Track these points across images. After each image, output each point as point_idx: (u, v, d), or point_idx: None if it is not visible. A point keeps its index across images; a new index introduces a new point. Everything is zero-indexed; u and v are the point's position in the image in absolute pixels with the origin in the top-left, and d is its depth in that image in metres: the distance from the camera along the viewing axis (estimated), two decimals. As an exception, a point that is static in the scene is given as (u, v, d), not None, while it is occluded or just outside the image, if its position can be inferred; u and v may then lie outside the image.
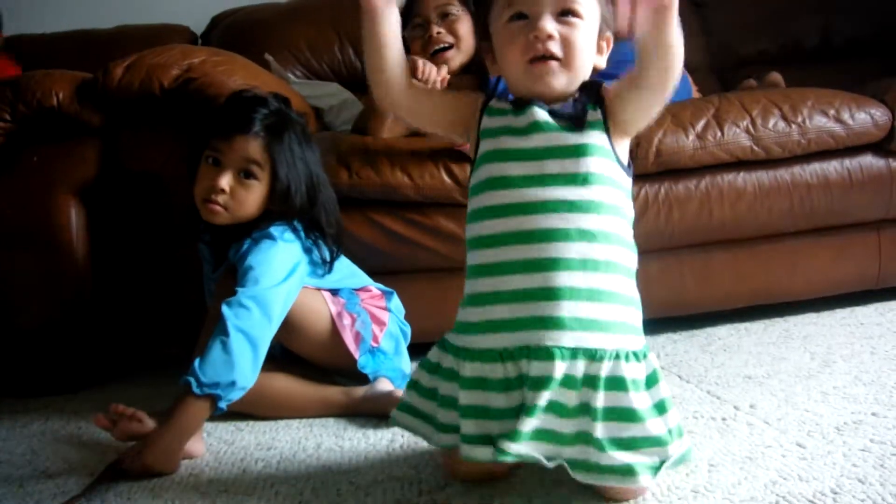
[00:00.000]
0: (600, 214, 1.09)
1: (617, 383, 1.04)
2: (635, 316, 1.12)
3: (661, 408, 1.07)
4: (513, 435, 1.03)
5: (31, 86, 1.80)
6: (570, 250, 1.08)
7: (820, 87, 2.15)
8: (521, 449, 1.03)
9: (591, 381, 1.04)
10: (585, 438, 1.03)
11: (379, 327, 1.66)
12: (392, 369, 1.64)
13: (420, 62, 1.85)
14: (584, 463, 1.03)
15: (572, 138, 1.11)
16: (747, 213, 2.01)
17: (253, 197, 1.53)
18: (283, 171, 1.53)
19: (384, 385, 1.59)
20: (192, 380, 1.30)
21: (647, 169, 1.95)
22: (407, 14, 2.06)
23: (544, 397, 1.04)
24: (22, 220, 1.82)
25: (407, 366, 1.70)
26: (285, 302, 1.46)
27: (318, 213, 1.59)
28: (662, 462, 1.04)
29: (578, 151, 1.10)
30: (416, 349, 1.76)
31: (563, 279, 1.07)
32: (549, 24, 1.11)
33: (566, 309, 1.06)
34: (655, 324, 2.04)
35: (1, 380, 1.87)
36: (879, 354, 1.68)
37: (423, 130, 1.28)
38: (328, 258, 1.59)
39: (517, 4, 1.13)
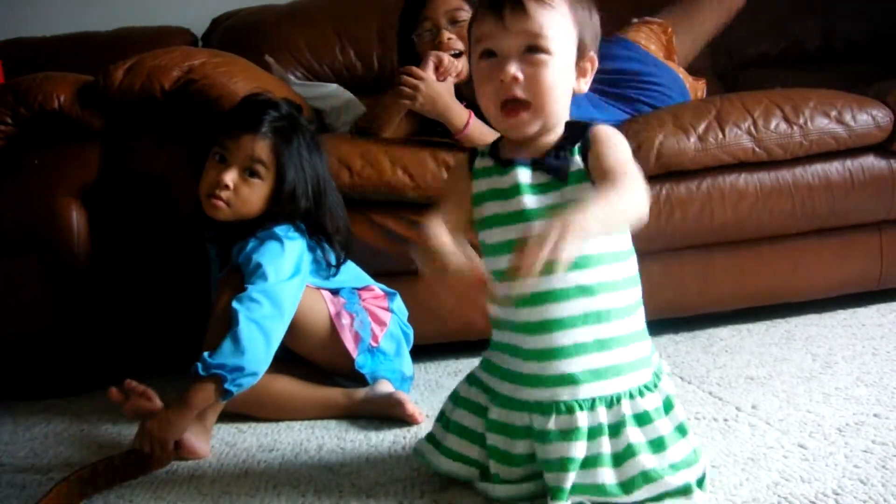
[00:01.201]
0: (595, 267, 1.09)
1: (642, 418, 1.08)
2: (642, 349, 1.13)
3: (682, 430, 1.10)
4: (556, 492, 1.05)
5: (32, 89, 1.80)
6: (571, 308, 1.09)
7: (822, 89, 2.15)
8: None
9: (619, 425, 1.07)
10: (641, 477, 1.05)
11: (379, 327, 1.66)
12: (391, 370, 1.64)
13: (435, 58, 1.86)
14: (632, 496, 1.06)
15: (555, 197, 1.10)
16: (749, 214, 2.01)
17: (256, 196, 1.54)
18: (289, 173, 1.55)
19: (385, 387, 1.59)
20: (198, 364, 1.35)
21: (649, 171, 1.95)
22: (415, 17, 2.06)
23: (576, 449, 1.06)
24: (23, 224, 1.82)
25: (408, 368, 1.70)
26: (295, 297, 1.48)
27: (324, 218, 1.60)
28: (703, 476, 1.09)
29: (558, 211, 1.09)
30: (417, 352, 1.76)
31: (569, 337, 1.09)
32: (513, 67, 1.08)
33: (576, 365, 1.08)
34: (657, 325, 2.03)
35: (3, 382, 1.87)
36: (881, 356, 1.68)
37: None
38: (334, 262, 1.60)
39: (485, 41, 1.11)
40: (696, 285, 2.05)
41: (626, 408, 1.07)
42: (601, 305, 1.09)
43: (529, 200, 1.11)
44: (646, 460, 1.05)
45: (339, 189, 1.71)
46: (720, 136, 1.97)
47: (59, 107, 1.79)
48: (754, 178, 2.02)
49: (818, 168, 2.04)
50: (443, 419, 1.22)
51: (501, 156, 1.16)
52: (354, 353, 1.60)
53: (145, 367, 1.99)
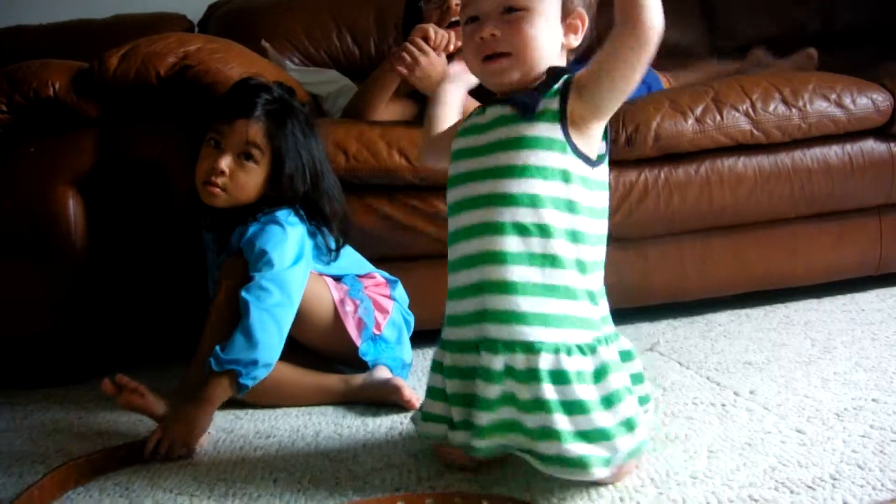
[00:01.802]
0: (538, 208, 1.07)
1: (561, 376, 1.03)
2: (584, 309, 1.09)
3: (608, 401, 1.03)
4: (476, 430, 1.06)
5: (27, 76, 1.79)
6: (505, 244, 1.07)
7: (822, 72, 2.14)
8: (484, 444, 1.05)
9: (533, 374, 1.03)
10: (547, 431, 1.02)
11: (382, 315, 1.65)
12: (393, 358, 1.64)
13: (431, 29, 1.85)
14: (546, 455, 1.02)
15: (516, 130, 1.10)
16: (748, 198, 2.01)
17: (252, 180, 1.54)
18: (285, 156, 1.55)
19: (383, 373, 1.59)
20: (211, 360, 1.36)
21: (647, 153, 1.95)
22: None
23: (492, 390, 1.05)
24: (19, 213, 1.81)
25: (408, 355, 1.70)
26: (301, 283, 1.49)
27: (321, 201, 1.59)
28: (610, 457, 1.02)
29: (518, 144, 1.10)
30: (416, 337, 1.76)
31: (498, 273, 1.07)
32: (489, 26, 1.12)
33: (504, 303, 1.06)
34: (655, 310, 2.04)
35: (1, 372, 1.86)
36: (880, 340, 1.68)
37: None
38: (333, 246, 1.60)
39: (468, 8, 1.16)
40: (695, 270, 2.05)
41: (545, 361, 1.03)
42: (538, 248, 1.07)
43: (494, 134, 1.12)
44: (555, 420, 1.01)
45: (336, 173, 1.71)
46: (718, 117, 1.96)
47: (55, 94, 1.78)
48: (753, 161, 2.01)
49: (817, 152, 2.04)
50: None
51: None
52: (358, 341, 1.59)
53: (143, 355, 2.00)
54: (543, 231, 1.07)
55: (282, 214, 1.53)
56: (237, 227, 1.55)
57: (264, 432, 1.43)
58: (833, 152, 2.05)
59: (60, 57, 1.92)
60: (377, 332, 1.64)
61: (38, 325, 1.84)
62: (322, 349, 1.63)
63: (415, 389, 1.52)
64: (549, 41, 1.13)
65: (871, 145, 2.07)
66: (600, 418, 1.02)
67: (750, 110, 1.98)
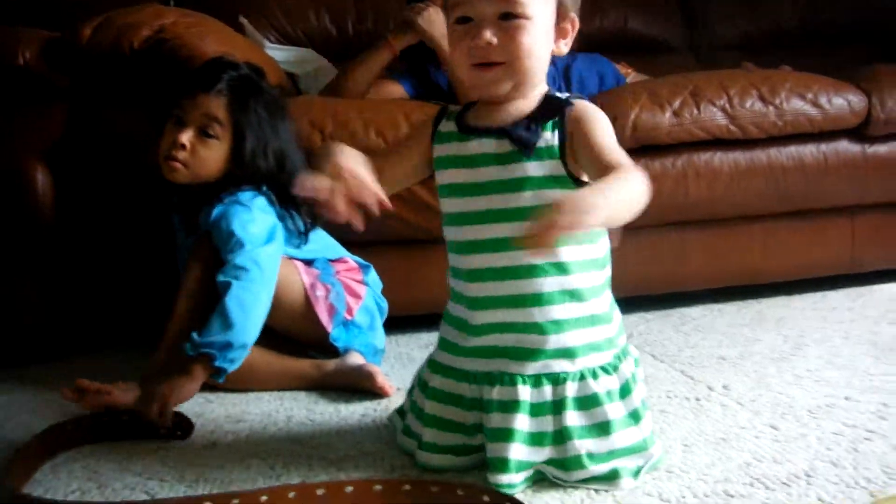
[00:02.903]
0: (567, 245, 1.07)
1: (589, 401, 1.06)
2: (603, 332, 1.11)
3: (636, 416, 1.09)
4: (497, 463, 1.04)
5: (-5, 44, 1.74)
6: (526, 286, 1.08)
7: (800, 72, 2.15)
8: (513, 479, 1.03)
9: (560, 404, 1.06)
10: (570, 461, 1.05)
11: (354, 300, 1.63)
12: (365, 344, 1.62)
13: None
14: (570, 475, 1.05)
15: (516, 170, 1.08)
16: (723, 192, 2.01)
17: (213, 156, 1.52)
18: (246, 132, 1.52)
19: (355, 359, 1.57)
20: (187, 345, 1.33)
21: (624, 144, 1.89)
22: None
23: (519, 421, 1.05)
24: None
25: (381, 341, 1.68)
26: (275, 263, 1.46)
27: (289, 182, 1.56)
28: (642, 466, 1.07)
29: (526, 185, 1.08)
30: (388, 324, 1.74)
31: (521, 315, 1.09)
32: (488, 33, 1.04)
33: (531, 341, 1.08)
34: (629, 302, 2.02)
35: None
36: (851, 339, 1.69)
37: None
38: (303, 229, 1.57)
39: (461, 7, 1.07)
40: (670, 263, 2.05)
41: (571, 389, 1.06)
42: (555, 287, 1.08)
43: (491, 171, 1.09)
44: (584, 444, 1.04)
45: (311, 153, 1.67)
46: (695, 111, 1.96)
47: (25, 63, 1.72)
48: (729, 156, 2.02)
49: (793, 150, 2.05)
50: (409, 401, 1.23)
51: (467, 122, 1.14)
52: (329, 327, 1.57)
53: (111, 336, 1.96)
54: (561, 268, 1.08)
55: (245, 195, 1.50)
56: (203, 207, 1.51)
57: (235, 416, 1.40)
58: (808, 151, 2.06)
59: (30, 26, 1.87)
60: (349, 318, 1.62)
61: (4, 298, 1.79)
62: (293, 334, 1.61)
63: (387, 376, 1.50)
64: (544, 51, 1.09)
65: (845, 145, 2.08)
66: (631, 435, 1.07)
67: (727, 105, 1.98)
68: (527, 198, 1.07)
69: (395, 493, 0.98)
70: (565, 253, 1.07)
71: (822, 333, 1.75)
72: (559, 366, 1.07)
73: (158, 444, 1.29)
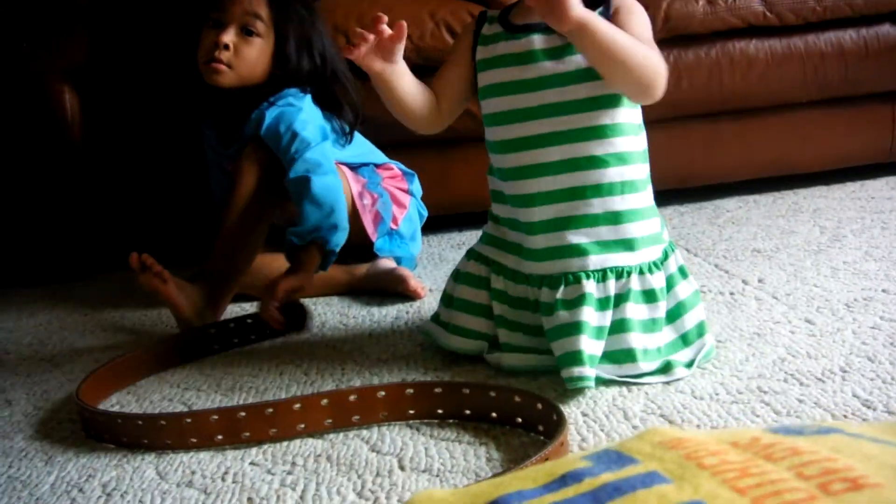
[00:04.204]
0: (610, 138, 1.07)
1: (649, 295, 1.07)
2: (655, 224, 1.12)
3: (682, 308, 1.10)
4: (568, 358, 1.03)
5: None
6: (585, 178, 1.08)
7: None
8: (585, 371, 1.02)
9: (622, 297, 1.06)
10: (622, 354, 1.05)
11: (399, 210, 1.62)
12: (407, 254, 1.62)
13: None
14: (622, 370, 1.05)
15: (569, 63, 1.06)
16: (758, 82, 1.96)
17: (258, 55, 1.48)
18: (289, 29, 1.48)
19: (387, 262, 1.57)
20: (292, 237, 1.34)
21: (656, 35, 1.87)
22: None
23: (584, 314, 1.04)
24: (15, 110, 1.76)
25: (418, 249, 1.68)
26: (332, 159, 1.44)
27: (332, 82, 1.53)
28: (693, 358, 1.08)
29: (572, 79, 1.06)
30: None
31: (580, 207, 1.08)
32: None
33: (585, 236, 1.08)
34: (662, 196, 1.99)
35: (5, 269, 1.85)
36: (891, 229, 1.65)
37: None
38: (347, 129, 1.55)
39: None
40: (703, 155, 2.02)
41: (635, 282, 1.06)
42: (616, 177, 1.08)
43: (545, 66, 1.07)
44: (639, 339, 1.05)
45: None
46: (730, -1, 1.90)
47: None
48: (765, 44, 1.96)
49: (831, 36, 1.99)
50: (446, 299, 1.21)
51: (513, 21, 1.12)
52: (374, 236, 1.56)
53: (145, 252, 1.97)
54: (619, 159, 1.08)
55: (293, 97, 1.47)
56: (247, 115, 1.48)
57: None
58: (847, 36, 1.99)
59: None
60: (394, 227, 1.60)
61: (40, 217, 1.81)
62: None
63: (419, 278, 1.50)
64: None
65: (886, 30, 2.01)
66: (679, 326, 1.09)
67: (763, -8, 1.91)
68: (579, 90, 1.06)
69: (427, 396, 0.99)
70: (622, 143, 1.07)
71: (861, 224, 1.71)
72: (622, 259, 1.07)
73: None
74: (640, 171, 1.11)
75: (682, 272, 1.12)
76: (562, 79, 1.07)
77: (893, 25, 2.01)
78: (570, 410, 0.97)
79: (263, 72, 1.49)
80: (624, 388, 1.03)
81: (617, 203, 1.08)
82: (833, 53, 1.98)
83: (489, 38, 1.13)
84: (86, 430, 1.03)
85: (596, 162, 1.07)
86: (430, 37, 1.79)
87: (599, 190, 1.07)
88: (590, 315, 1.04)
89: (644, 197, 1.11)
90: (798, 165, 2.10)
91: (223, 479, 0.89)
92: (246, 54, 1.47)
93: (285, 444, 0.96)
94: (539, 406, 0.93)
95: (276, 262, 1.50)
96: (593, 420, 0.95)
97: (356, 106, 1.55)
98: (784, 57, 1.97)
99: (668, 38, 1.90)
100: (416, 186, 1.70)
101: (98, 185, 1.84)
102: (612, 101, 1.07)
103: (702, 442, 0.38)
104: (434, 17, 1.79)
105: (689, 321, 1.10)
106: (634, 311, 1.06)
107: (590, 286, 1.06)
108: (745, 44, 1.95)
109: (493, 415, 0.96)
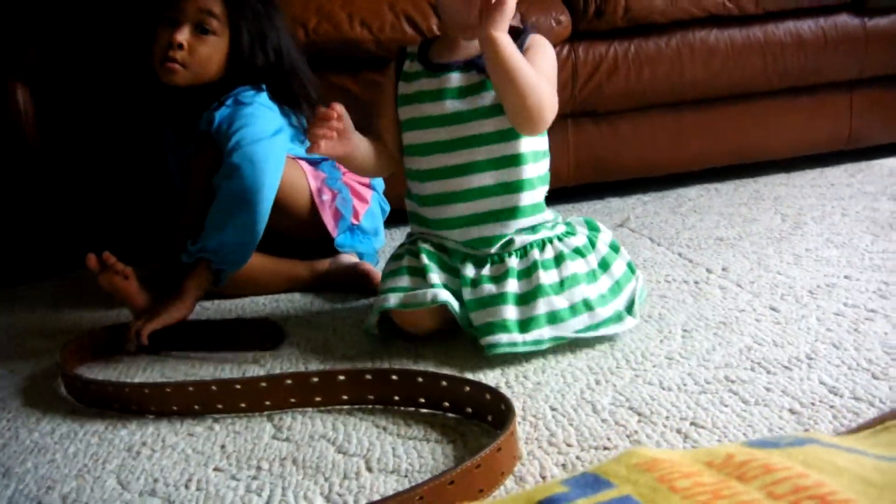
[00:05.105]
0: (518, 166, 1.18)
1: (578, 251, 1.19)
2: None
3: (608, 258, 1.22)
4: (527, 323, 1.12)
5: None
6: (500, 202, 1.19)
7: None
8: (515, 338, 1.11)
9: (560, 257, 1.17)
10: (583, 304, 1.14)
11: (361, 205, 1.60)
12: (368, 248, 1.60)
13: None
14: (585, 327, 1.13)
15: (484, 99, 1.17)
16: (720, 71, 1.97)
17: (212, 53, 1.46)
18: (243, 26, 1.46)
19: (349, 257, 1.55)
20: (183, 254, 1.32)
21: (617, 24, 1.89)
22: None
23: (510, 285, 1.15)
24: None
25: (381, 243, 1.66)
26: (279, 156, 1.40)
27: (290, 80, 1.50)
28: (632, 299, 1.19)
29: (484, 113, 1.17)
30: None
31: (499, 229, 1.19)
32: None
33: (497, 229, 1.19)
34: (625, 185, 2.02)
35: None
36: (850, 216, 1.67)
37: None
38: (305, 125, 1.52)
39: None
40: (666, 145, 2.02)
41: (558, 245, 1.18)
42: (523, 202, 1.19)
43: (457, 104, 1.17)
44: (588, 289, 1.15)
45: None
46: (690, -12, 1.91)
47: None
48: (725, 34, 1.97)
49: (791, 25, 2.01)
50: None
51: (432, 59, 1.21)
52: (335, 232, 1.54)
53: (102, 252, 1.93)
54: (529, 184, 1.20)
55: (246, 94, 1.45)
56: (202, 113, 1.46)
57: (231, 321, 1.39)
58: (806, 26, 2.02)
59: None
60: (355, 223, 1.58)
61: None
62: (297, 237, 1.58)
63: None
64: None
65: (844, 20, 2.04)
66: (612, 274, 1.20)
67: (723, -19, 1.92)
68: (486, 124, 1.17)
69: (384, 383, 1.02)
70: (528, 170, 1.19)
71: (821, 211, 1.73)
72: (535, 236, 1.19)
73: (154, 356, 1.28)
74: (543, 193, 1.22)
75: (591, 225, 1.26)
76: (471, 114, 1.17)
77: (851, 15, 2.04)
78: (539, 405, 0.97)
79: (219, 69, 1.47)
80: (592, 381, 1.02)
81: (528, 222, 1.20)
82: (792, 43, 2.00)
83: (410, 76, 1.22)
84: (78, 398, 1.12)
85: (507, 188, 1.18)
86: (389, 28, 1.77)
87: (514, 213, 1.19)
88: (512, 285, 1.14)
89: (546, 213, 1.23)
90: (760, 153, 2.11)
91: (186, 487, 0.86)
92: (201, 53, 1.45)
93: (250, 447, 0.94)
94: (487, 396, 0.94)
95: (259, 262, 1.48)
96: (562, 414, 0.94)
97: (314, 100, 1.53)
98: (744, 47, 1.98)
99: (628, 28, 1.90)
100: (378, 181, 1.68)
101: (52, 184, 1.80)
102: (517, 134, 1.16)
103: (676, 463, 0.39)
104: (394, 9, 1.78)
105: (616, 270, 1.21)
106: (575, 266, 1.16)
107: (512, 262, 1.17)
108: (706, 34, 1.96)
109: (446, 404, 0.99)
